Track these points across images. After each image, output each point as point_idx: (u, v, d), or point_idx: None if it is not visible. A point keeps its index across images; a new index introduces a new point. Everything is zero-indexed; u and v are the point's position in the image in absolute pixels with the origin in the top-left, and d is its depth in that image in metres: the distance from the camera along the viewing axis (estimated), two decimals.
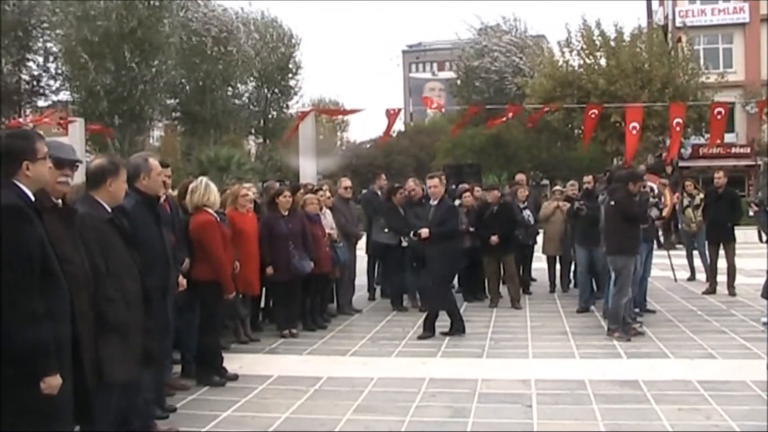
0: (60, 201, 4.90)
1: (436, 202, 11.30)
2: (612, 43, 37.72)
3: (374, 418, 7.17)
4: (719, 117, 17.13)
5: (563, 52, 39.74)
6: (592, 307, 12.66)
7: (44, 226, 4.37)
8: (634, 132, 17.14)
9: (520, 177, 16.76)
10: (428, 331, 11.00)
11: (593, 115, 18.74)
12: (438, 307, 11.16)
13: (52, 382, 4.10)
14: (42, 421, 4.17)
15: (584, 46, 38.41)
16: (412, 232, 11.49)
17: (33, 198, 4.32)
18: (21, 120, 33.86)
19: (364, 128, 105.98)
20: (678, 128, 17.31)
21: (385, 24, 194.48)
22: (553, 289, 15.16)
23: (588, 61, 38.11)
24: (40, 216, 4.32)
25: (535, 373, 8.66)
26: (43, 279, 4.19)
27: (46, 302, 4.15)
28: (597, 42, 38.05)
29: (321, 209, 12.10)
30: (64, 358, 4.26)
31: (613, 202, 10.74)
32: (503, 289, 13.84)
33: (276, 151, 52.09)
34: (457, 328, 11.09)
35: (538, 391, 7.93)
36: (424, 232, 11.03)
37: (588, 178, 13.49)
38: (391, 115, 18.07)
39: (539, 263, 15.93)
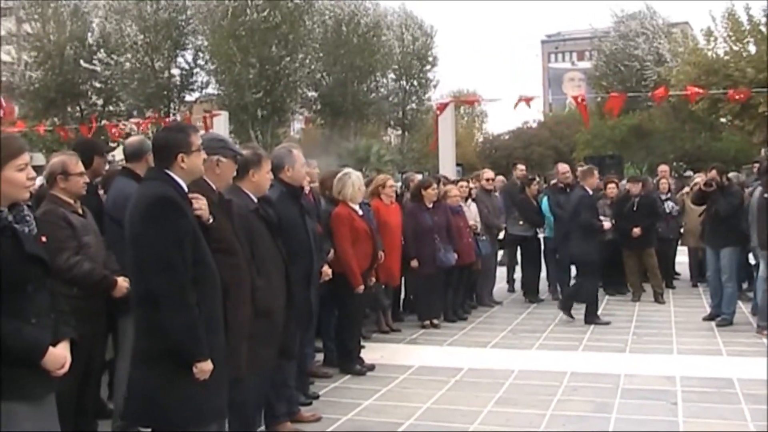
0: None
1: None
2: (762, 29, 36.17)
3: (515, 411, 7.17)
4: None
5: (708, 40, 38.42)
6: (739, 303, 11.84)
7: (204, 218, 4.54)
8: None
9: (663, 168, 16.36)
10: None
11: (740, 97, 18.39)
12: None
13: (204, 367, 4.18)
14: (197, 410, 4.29)
15: (730, 33, 37.03)
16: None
17: (186, 189, 4.42)
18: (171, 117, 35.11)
19: (503, 120, 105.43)
20: None
21: (524, 14, 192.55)
22: (695, 283, 14.75)
23: (735, 47, 36.75)
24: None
25: (680, 370, 8.47)
26: (194, 268, 4.28)
27: (198, 290, 4.24)
28: (745, 28, 36.58)
29: (466, 201, 12.20)
30: (217, 345, 4.36)
31: (767, 194, 10.28)
32: (646, 283, 13.57)
33: (415, 142, 52.35)
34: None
35: (683, 388, 7.77)
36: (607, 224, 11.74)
37: (712, 174, 11.45)
38: (524, 100, 18.08)
39: (684, 256, 15.53)
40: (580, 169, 13.03)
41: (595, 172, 11.97)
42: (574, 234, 11.67)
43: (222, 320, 4.46)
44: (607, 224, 11.63)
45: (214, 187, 4.97)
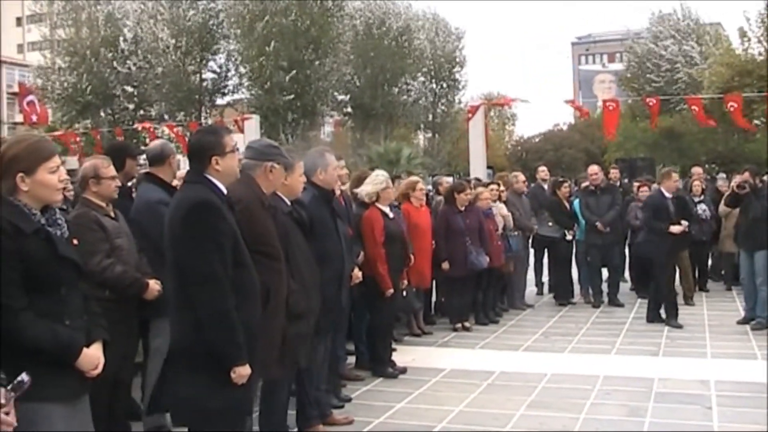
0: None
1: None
2: None
3: (548, 414, 7.13)
4: None
5: (741, 40, 38.06)
6: None
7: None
8: None
9: (697, 170, 16.23)
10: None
11: None
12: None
13: (242, 372, 4.19)
14: (229, 409, 4.29)
15: (765, 33, 36.63)
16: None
17: (225, 192, 4.43)
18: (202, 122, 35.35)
19: (533, 122, 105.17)
20: None
21: (554, 16, 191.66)
22: (729, 287, 14.60)
23: None
24: (233, 210, 4.46)
25: (714, 374, 8.39)
26: (234, 271, 4.28)
27: (237, 293, 4.25)
28: None
29: (496, 202, 12.14)
30: (254, 347, 4.35)
31: None
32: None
33: (445, 145, 52.30)
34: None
35: (717, 393, 7.69)
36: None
37: (745, 176, 11.69)
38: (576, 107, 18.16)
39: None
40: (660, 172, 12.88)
41: (674, 175, 11.77)
42: (644, 233, 11.87)
43: (258, 323, 4.46)
44: (676, 228, 11.25)
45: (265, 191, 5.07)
